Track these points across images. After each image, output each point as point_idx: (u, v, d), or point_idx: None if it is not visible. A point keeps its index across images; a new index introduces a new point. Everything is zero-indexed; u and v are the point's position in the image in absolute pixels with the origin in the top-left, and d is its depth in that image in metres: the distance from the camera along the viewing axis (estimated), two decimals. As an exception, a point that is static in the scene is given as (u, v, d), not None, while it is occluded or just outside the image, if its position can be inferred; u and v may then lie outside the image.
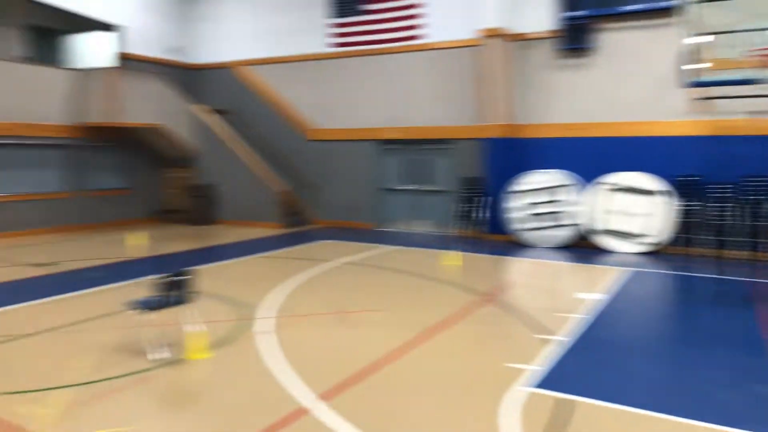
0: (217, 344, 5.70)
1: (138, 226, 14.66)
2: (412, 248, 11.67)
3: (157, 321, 5.50)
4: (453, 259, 10.08)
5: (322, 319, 6.71)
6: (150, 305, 5.29)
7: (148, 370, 5.04)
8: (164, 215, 16.01)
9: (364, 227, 14.55)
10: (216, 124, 15.36)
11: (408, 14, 13.56)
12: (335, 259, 10.28)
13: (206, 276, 8.77)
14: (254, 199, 14.84)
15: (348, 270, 9.56)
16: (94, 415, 4.24)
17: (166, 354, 5.34)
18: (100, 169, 14.76)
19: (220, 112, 16.10)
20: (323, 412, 4.26)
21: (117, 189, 15.12)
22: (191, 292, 5.56)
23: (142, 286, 7.98)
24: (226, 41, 16.47)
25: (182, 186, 15.82)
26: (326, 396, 4.53)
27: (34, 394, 4.53)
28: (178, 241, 12.54)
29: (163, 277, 5.22)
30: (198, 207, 15.12)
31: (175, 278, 5.30)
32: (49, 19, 14.79)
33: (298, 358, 5.38)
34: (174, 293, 5.35)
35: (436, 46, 13.47)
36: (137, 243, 11.87)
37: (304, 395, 4.55)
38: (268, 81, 15.89)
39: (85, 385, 4.70)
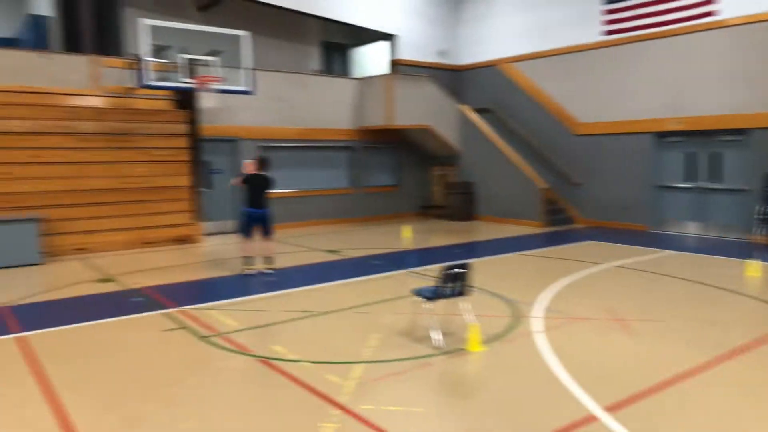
0: (492, 339, 5.73)
1: (405, 219, 15.74)
2: (698, 254, 10.29)
3: (437, 310, 5.74)
4: (755, 270, 8.59)
5: (598, 324, 6.28)
6: (431, 294, 5.54)
7: (429, 356, 5.29)
8: (427, 210, 16.92)
9: (636, 228, 13.34)
10: (480, 122, 15.64)
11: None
12: (606, 262, 9.59)
13: (474, 270, 8.97)
14: (514, 196, 14.73)
15: (622, 274, 8.83)
16: (384, 391, 4.58)
17: (444, 343, 5.54)
18: (375, 167, 16.22)
19: (483, 110, 16.38)
20: (612, 423, 3.94)
21: (388, 186, 16.46)
22: (468, 285, 5.68)
23: (415, 276, 8.50)
24: (492, 40, 16.65)
25: (444, 183, 16.51)
26: (614, 407, 4.18)
27: (335, 365, 5.10)
28: (441, 235, 13.10)
29: (444, 269, 5.42)
30: (458, 203, 15.60)
31: (455, 271, 5.46)
32: (339, 35, 16.76)
33: (576, 362, 5.09)
34: (453, 285, 5.53)
35: (732, 23, 11.65)
36: (407, 235, 12.74)
37: (588, 402, 4.27)
38: (533, 76, 15.61)
39: (376, 363, 5.13)
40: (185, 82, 9.95)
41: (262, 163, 8.89)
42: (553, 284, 8.02)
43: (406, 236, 12.71)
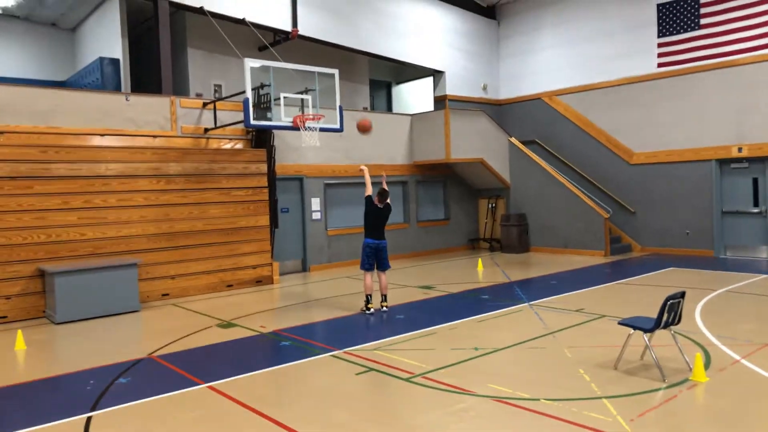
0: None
1: (456, 253, 15.72)
2: (791, 276, 10.50)
3: (649, 342, 5.66)
4: None
5: (783, 348, 6.29)
6: (650, 326, 5.47)
7: (661, 389, 5.18)
8: (475, 243, 16.92)
9: (703, 255, 13.56)
10: (529, 154, 15.84)
11: (764, 21, 12.52)
12: (718, 288, 9.68)
13: (591, 301, 8.96)
14: (575, 226, 14.84)
15: (744, 299, 8.92)
16: (662, 423, 4.45)
17: (658, 372, 5.46)
18: (426, 202, 16.22)
19: (527, 142, 16.63)
20: None
21: (438, 220, 16.44)
22: (680, 315, 5.65)
23: (542, 308, 8.42)
24: (535, 74, 17.03)
25: (495, 215, 16.58)
26: None
27: (578, 402, 4.95)
28: (514, 268, 13.04)
29: (669, 298, 5.37)
30: (513, 235, 15.64)
31: (676, 300, 5.43)
32: (383, 72, 16.91)
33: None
34: (673, 315, 5.49)
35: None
36: (481, 269, 12.72)
37: None
38: (582, 108, 15.97)
39: (617, 398, 5.00)
40: (284, 122, 9.84)
41: (382, 195, 8.78)
42: (689, 313, 8.03)
43: (480, 270, 12.69)
